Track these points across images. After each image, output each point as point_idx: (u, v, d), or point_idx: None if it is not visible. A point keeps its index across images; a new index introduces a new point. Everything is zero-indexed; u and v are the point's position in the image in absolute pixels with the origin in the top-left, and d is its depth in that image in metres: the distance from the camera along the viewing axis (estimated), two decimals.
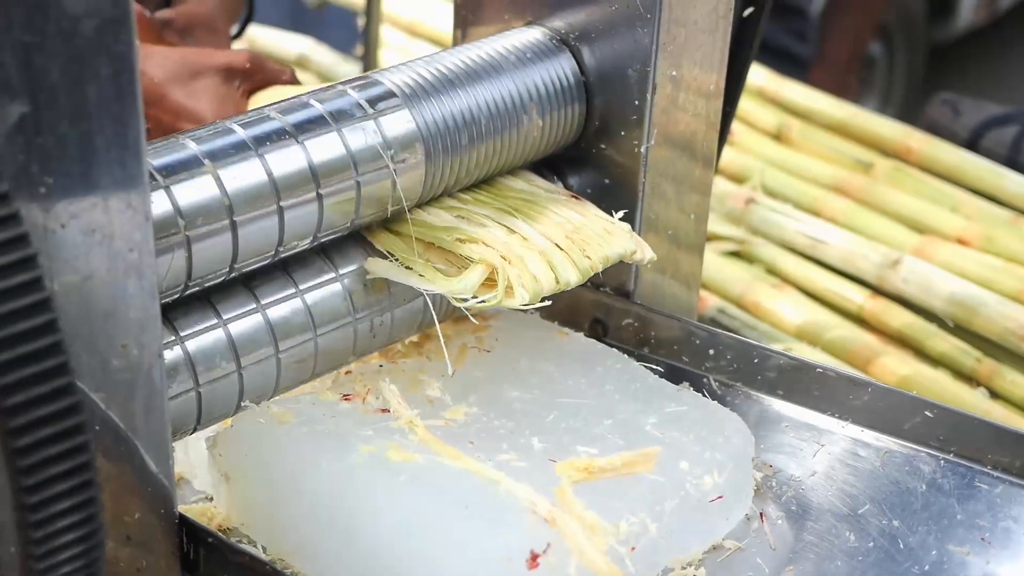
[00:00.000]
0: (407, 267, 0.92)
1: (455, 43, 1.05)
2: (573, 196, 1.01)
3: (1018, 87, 3.61)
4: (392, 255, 0.93)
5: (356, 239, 0.94)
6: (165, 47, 1.24)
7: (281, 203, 0.85)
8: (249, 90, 1.22)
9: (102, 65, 0.67)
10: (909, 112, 2.98)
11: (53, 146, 0.66)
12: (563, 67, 1.00)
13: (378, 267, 0.93)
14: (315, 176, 0.86)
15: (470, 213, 0.96)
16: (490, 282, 0.91)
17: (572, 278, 0.93)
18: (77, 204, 0.68)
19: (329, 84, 0.94)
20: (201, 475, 0.94)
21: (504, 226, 0.95)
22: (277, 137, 0.85)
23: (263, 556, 0.87)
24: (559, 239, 0.95)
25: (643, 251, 0.99)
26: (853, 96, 2.90)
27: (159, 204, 0.79)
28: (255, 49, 1.81)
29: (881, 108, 3.39)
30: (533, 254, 0.93)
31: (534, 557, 0.79)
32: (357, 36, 1.89)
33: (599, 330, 1.07)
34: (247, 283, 0.88)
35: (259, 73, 1.22)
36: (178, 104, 1.18)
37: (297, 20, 2.27)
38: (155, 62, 1.19)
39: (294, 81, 1.25)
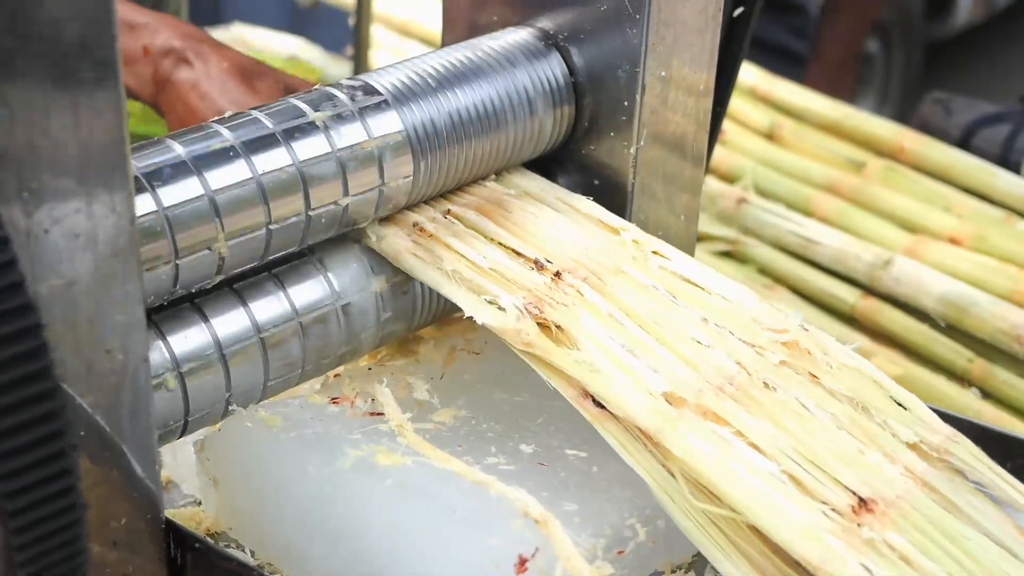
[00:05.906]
0: None
1: (443, 44, 1.04)
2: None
3: (1017, 85, 3.61)
4: None
5: (348, 251, 0.93)
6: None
7: (268, 206, 0.84)
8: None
9: (85, 69, 0.66)
10: (906, 110, 2.97)
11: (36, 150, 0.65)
12: (552, 68, 0.99)
13: None
14: (302, 178, 0.86)
15: None
16: None
17: None
18: (60, 209, 0.68)
19: (318, 86, 0.94)
20: (189, 479, 0.94)
21: None
22: (263, 138, 0.85)
23: (251, 561, 0.87)
24: None
25: None
26: (849, 95, 2.89)
27: (143, 207, 0.78)
28: (248, 49, 1.80)
29: (878, 106, 3.39)
30: None
31: (522, 562, 0.79)
32: (349, 36, 1.88)
33: None
34: (240, 296, 0.88)
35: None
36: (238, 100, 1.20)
37: (289, 20, 2.27)
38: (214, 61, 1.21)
39: None
